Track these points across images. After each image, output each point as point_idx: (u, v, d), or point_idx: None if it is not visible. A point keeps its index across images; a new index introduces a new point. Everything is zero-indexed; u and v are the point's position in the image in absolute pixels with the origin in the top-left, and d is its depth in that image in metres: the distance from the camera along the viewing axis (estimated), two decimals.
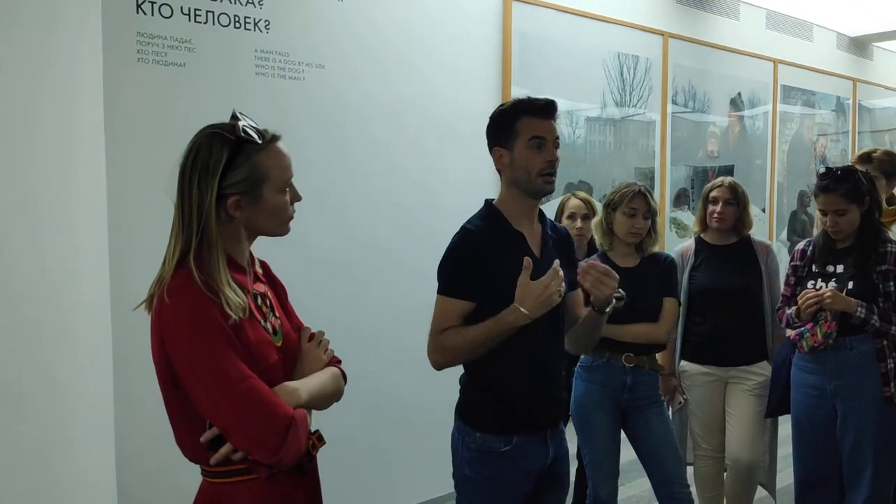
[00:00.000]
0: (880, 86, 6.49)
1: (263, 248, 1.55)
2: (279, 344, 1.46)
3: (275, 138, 1.43)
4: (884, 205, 2.87)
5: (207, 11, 2.68)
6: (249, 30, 2.79)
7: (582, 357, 2.72)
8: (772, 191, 5.39)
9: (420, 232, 3.25)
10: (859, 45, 6.19)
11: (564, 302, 1.91)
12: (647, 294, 2.62)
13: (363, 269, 3.15)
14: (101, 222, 2.52)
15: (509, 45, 3.63)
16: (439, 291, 1.89)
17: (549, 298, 1.74)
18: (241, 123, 1.38)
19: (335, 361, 1.58)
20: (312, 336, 1.57)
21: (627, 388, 2.62)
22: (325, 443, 1.51)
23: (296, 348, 1.52)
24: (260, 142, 1.39)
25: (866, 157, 3.32)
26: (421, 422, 3.22)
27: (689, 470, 2.95)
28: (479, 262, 1.83)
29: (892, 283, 2.55)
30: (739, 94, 5.06)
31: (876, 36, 6.07)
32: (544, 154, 1.85)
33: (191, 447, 1.39)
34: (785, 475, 3.40)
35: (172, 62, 2.61)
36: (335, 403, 1.54)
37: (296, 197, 1.48)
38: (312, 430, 1.49)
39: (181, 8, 2.62)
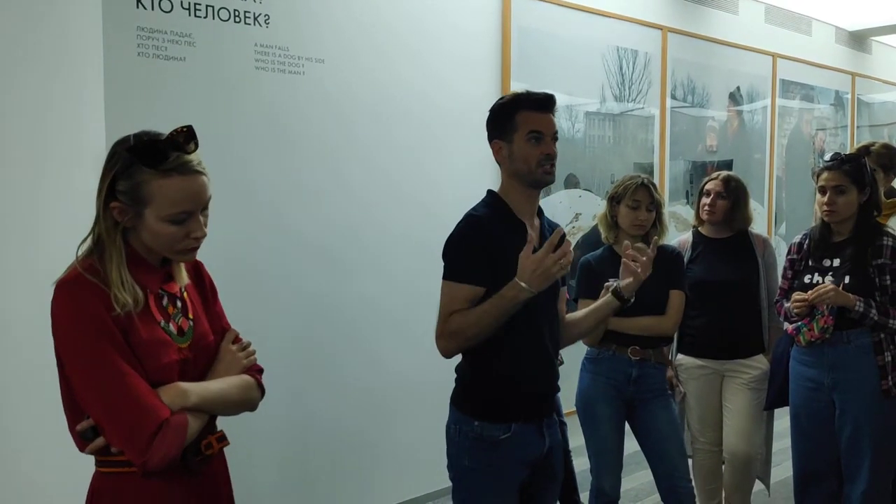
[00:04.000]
0: (879, 80, 6.49)
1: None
2: (184, 345, 1.44)
3: (182, 169, 1.36)
4: (882, 198, 2.88)
5: (207, 6, 2.68)
6: (249, 24, 2.79)
7: (588, 349, 2.73)
8: (770, 185, 5.40)
9: (424, 220, 3.26)
10: (858, 40, 6.19)
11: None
12: (654, 286, 2.60)
13: (368, 257, 3.16)
14: None
15: (508, 37, 3.63)
16: (446, 277, 1.87)
17: (546, 271, 1.71)
18: (143, 143, 1.35)
19: (255, 369, 1.56)
20: (238, 340, 1.56)
21: (633, 381, 2.64)
22: (227, 443, 1.51)
23: (211, 350, 1.51)
24: (148, 166, 1.34)
25: (864, 151, 3.33)
26: (417, 414, 3.23)
27: (689, 462, 2.97)
28: (485, 247, 1.83)
29: (888, 277, 2.56)
30: (738, 88, 5.06)
31: (875, 30, 6.07)
32: (542, 147, 1.86)
33: (79, 438, 1.40)
34: (782, 468, 3.42)
35: (173, 56, 2.61)
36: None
37: (196, 230, 1.41)
38: (217, 430, 1.50)
39: (181, 2, 2.62)
